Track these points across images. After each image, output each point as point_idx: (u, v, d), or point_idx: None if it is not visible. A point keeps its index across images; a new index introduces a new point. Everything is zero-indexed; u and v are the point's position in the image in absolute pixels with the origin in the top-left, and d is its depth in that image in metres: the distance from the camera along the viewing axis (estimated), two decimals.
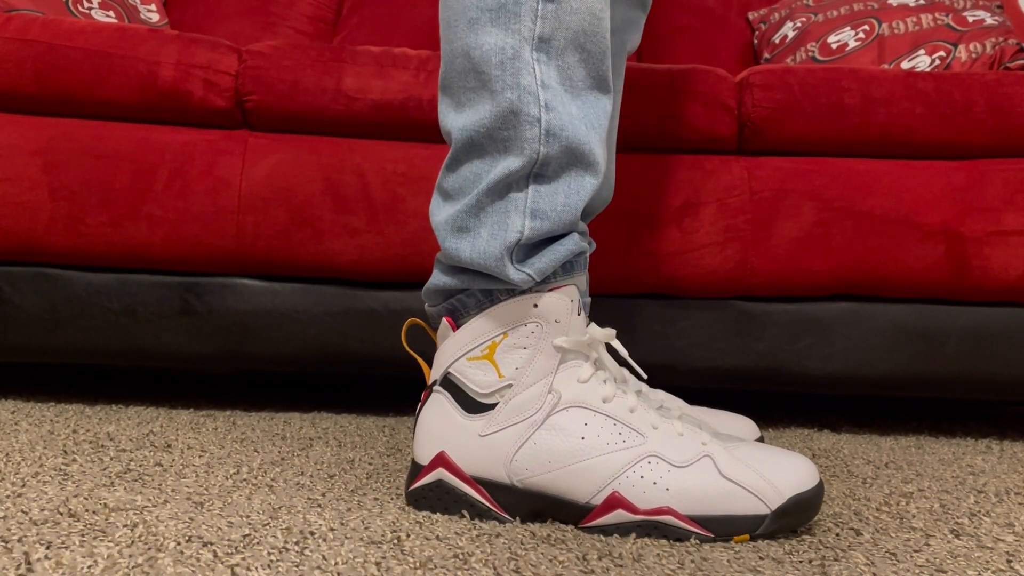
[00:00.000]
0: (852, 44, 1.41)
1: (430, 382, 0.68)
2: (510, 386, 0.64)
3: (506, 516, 0.64)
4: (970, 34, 1.33)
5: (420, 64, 1.02)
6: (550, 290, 0.65)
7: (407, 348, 0.71)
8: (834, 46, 1.42)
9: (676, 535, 0.60)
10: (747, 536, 0.60)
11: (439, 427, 0.65)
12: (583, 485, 0.62)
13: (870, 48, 1.39)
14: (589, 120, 0.64)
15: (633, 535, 0.60)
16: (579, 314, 0.66)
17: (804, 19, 1.50)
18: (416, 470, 0.65)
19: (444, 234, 0.66)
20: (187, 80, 1.00)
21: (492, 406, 0.65)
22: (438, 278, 0.67)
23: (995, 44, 1.30)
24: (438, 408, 0.66)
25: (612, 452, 0.62)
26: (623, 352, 0.68)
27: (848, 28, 1.43)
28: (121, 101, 1.00)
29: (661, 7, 1.65)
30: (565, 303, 0.65)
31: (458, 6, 0.63)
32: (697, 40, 1.63)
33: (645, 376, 0.71)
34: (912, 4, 1.42)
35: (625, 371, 0.76)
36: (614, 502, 0.61)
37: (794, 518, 0.61)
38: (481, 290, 0.66)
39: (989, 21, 1.36)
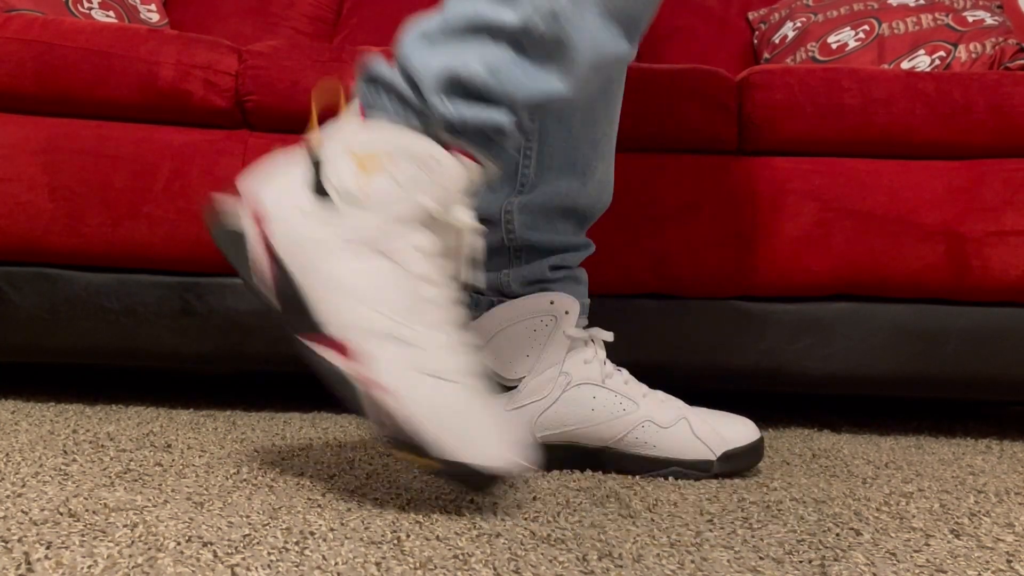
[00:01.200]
0: (852, 44, 1.41)
1: (306, 143, 0.68)
2: (360, 204, 0.63)
3: (273, 302, 0.65)
4: (970, 34, 1.33)
5: None
6: (460, 152, 0.63)
7: (312, 103, 0.67)
8: (834, 46, 1.42)
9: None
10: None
11: (278, 185, 0.66)
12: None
13: (870, 48, 1.39)
14: (598, 42, 0.64)
15: (633, 533, 0.60)
16: (468, 199, 0.65)
17: (804, 19, 1.50)
18: (233, 195, 0.67)
19: (409, 34, 0.65)
20: (187, 80, 1.00)
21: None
22: (379, 65, 0.65)
23: (995, 44, 1.30)
24: (291, 169, 0.66)
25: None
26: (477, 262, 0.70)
27: (848, 28, 1.44)
28: (121, 101, 1.00)
29: (661, 7, 1.65)
30: (462, 175, 0.63)
31: None
32: (697, 40, 1.63)
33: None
34: (912, 4, 1.42)
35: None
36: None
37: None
38: (401, 100, 0.63)
39: (989, 21, 1.36)
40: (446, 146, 0.63)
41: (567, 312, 0.79)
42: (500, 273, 0.81)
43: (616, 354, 0.98)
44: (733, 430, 0.80)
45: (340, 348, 0.61)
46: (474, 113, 0.63)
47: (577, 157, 0.81)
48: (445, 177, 0.63)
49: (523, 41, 0.63)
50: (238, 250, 0.65)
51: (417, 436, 0.60)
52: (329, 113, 0.68)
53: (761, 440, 0.81)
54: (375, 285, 0.62)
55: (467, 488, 0.64)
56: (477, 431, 0.61)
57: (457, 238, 0.65)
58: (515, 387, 0.79)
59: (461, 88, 0.63)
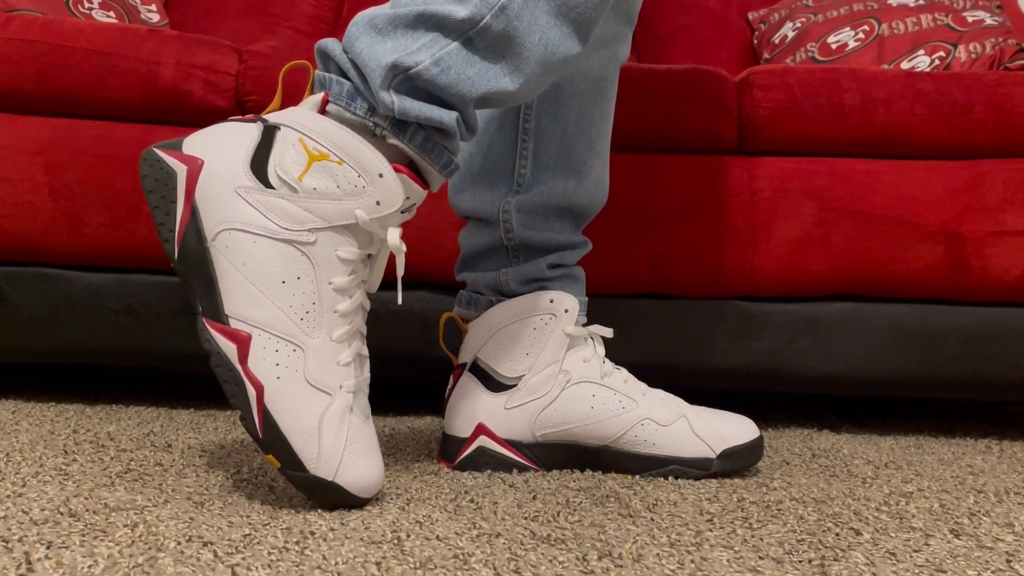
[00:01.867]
0: (852, 44, 1.41)
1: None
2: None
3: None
4: (970, 34, 1.33)
5: None
6: (406, 172, 0.63)
7: (279, 80, 0.69)
8: (834, 46, 1.42)
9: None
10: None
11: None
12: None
13: (870, 48, 1.39)
14: (547, 40, 0.65)
15: (633, 533, 0.60)
16: (404, 217, 0.66)
17: (804, 19, 1.50)
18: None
19: (359, 22, 0.64)
20: (187, 80, 1.00)
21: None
22: (333, 45, 0.65)
23: (995, 44, 1.30)
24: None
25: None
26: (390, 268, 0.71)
27: (848, 28, 1.44)
28: (121, 101, 1.00)
29: (661, 7, 1.65)
30: (400, 195, 0.63)
31: None
32: (697, 40, 1.63)
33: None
34: (912, 4, 1.42)
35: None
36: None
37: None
38: (350, 85, 0.64)
39: (989, 21, 1.36)
40: (395, 166, 0.63)
41: (566, 310, 0.79)
42: (499, 272, 0.81)
43: (616, 354, 0.98)
44: (732, 428, 0.80)
45: (233, 336, 0.61)
46: (419, 109, 0.63)
47: (572, 156, 0.81)
48: (386, 193, 0.63)
49: (472, 36, 0.63)
50: (165, 189, 0.64)
51: (266, 434, 0.61)
52: (295, 93, 0.68)
53: (760, 439, 0.81)
54: (287, 281, 0.62)
55: (309, 497, 0.63)
56: (331, 446, 0.61)
57: (378, 253, 0.66)
58: (515, 385, 0.79)
59: (408, 81, 0.62)
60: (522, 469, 0.79)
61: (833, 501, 0.72)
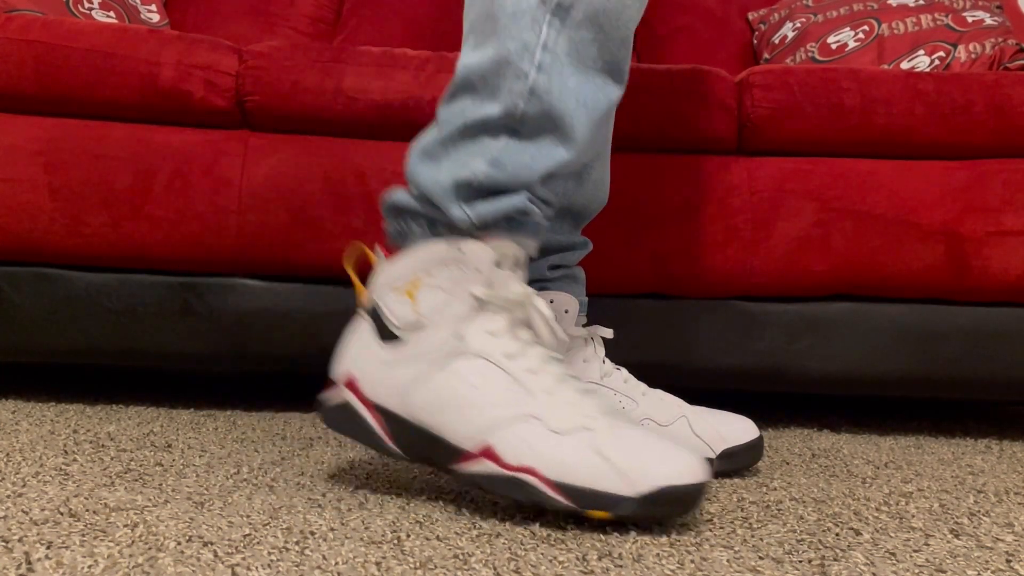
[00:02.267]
0: (852, 44, 1.41)
1: (359, 305, 0.70)
2: (423, 325, 0.65)
3: (394, 448, 0.66)
4: (970, 34, 1.33)
5: (420, 64, 1.02)
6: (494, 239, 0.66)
7: (348, 270, 0.71)
8: (834, 46, 1.42)
9: (536, 497, 0.60)
10: (607, 514, 0.58)
11: (356, 350, 0.68)
12: (461, 429, 0.62)
13: (870, 48, 1.39)
14: (585, 99, 0.66)
15: (633, 532, 0.60)
16: (515, 271, 0.66)
17: (804, 19, 1.50)
18: (330, 386, 0.69)
19: (413, 155, 0.69)
20: (187, 80, 1.00)
21: (403, 339, 0.66)
22: (397, 193, 0.69)
23: (995, 44, 1.30)
24: (360, 331, 0.69)
25: (497, 406, 0.62)
26: (551, 325, 0.66)
27: (848, 28, 1.44)
28: (121, 101, 1.00)
29: (661, 7, 1.65)
30: (488, 253, 0.65)
31: None
32: (697, 40, 1.63)
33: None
34: (912, 4, 1.42)
35: (610, 367, 0.82)
36: (485, 452, 0.62)
37: (662, 508, 0.59)
38: (427, 220, 0.68)
39: (989, 21, 1.36)
40: (470, 234, 0.66)
41: (566, 311, 0.79)
42: None
43: (616, 354, 0.98)
44: (732, 428, 0.79)
45: (486, 454, 0.62)
46: (492, 208, 0.66)
47: None
48: (477, 261, 0.65)
49: (514, 127, 0.66)
50: (352, 420, 0.67)
51: (574, 496, 0.59)
52: (365, 270, 0.71)
53: (760, 438, 0.80)
54: (472, 386, 0.63)
55: (665, 515, 0.60)
56: (623, 462, 0.59)
57: (522, 306, 0.65)
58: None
59: (473, 191, 0.66)
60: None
61: (833, 501, 0.72)
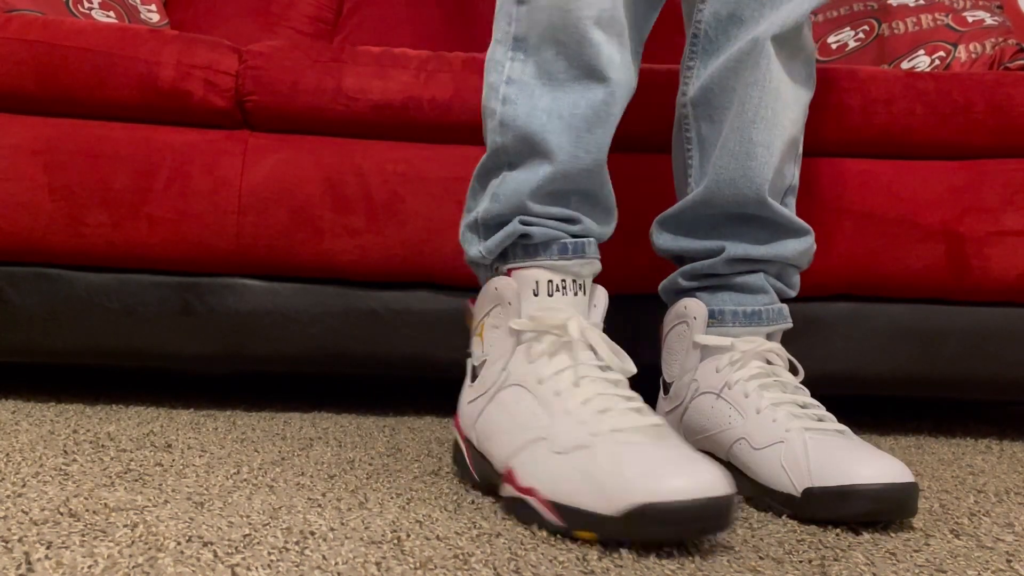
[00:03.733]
0: (852, 44, 1.41)
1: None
2: (485, 361, 0.70)
3: (474, 476, 0.70)
4: (970, 34, 1.33)
5: (420, 64, 1.02)
6: (508, 272, 0.71)
7: (468, 324, 0.76)
8: (834, 46, 1.42)
9: (535, 519, 0.59)
10: (593, 535, 0.56)
11: (462, 390, 0.75)
12: (497, 453, 0.66)
13: (870, 48, 1.39)
14: (560, 110, 0.69)
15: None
16: (561, 294, 0.69)
17: None
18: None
19: (461, 227, 0.78)
20: (187, 80, 1.00)
21: (479, 377, 0.72)
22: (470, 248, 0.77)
23: (995, 44, 1.30)
24: (467, 374, 0.75)
25: (521, 430, 0.64)
26: (594, 346, 0.67)
27: (848, 28, 1.44)
28: (121, 101, 1.00)
29: (661, 8, 1.65)
30: (511, 285, 0.69)
31: None
32: None
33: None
34: (912, 4, 1.42)
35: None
36: (507, 476, 0.64)
37: (651, 529, 0.54)
38: (481, 268, 0.75)
39: (989, 21, 1.36)
40: (497, 275, 0.72)
41: (695, 318, 0.78)
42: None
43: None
44: (837, 466, 0.64)
45: (508, 477, 0.64)
46: (495, 240, 0.71)
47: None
48: (507, 295, 0.69)
49: (506, 160, 0.72)
50: (455, 450, 0.75)
51: (565, 515, 0.58)
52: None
53: (884, 489, 0.62)
54: (509, 413, 0.67)
55: (660, 536, 0.55)
56: (606, 479, 0.56)
57: (563, 328, 0.66)
58: (668, 390, 0.82)
59: (482, 229, 0.73)
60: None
61: None
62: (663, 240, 0.86)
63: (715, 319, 0.79)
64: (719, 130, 0.80)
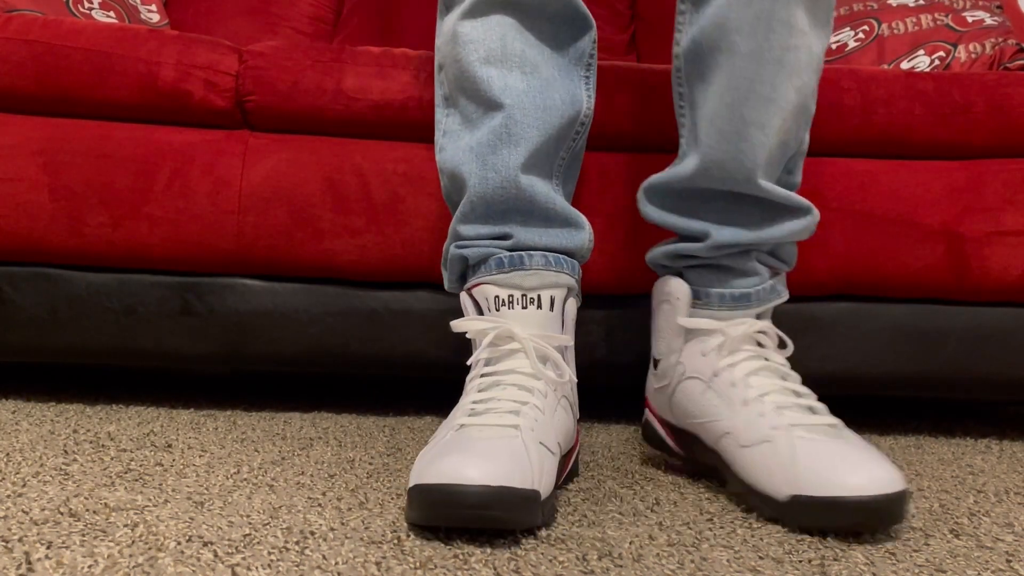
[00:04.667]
0: (852, 44, 1.41)
1: None
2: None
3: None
4: (970, 34, 1.33)
5: (420, 64, 1.02)
6: (469, 290, 0.76)
7: None
8: (834, 46, 1.42)
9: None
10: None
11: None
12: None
13: (870, 48, 1.39)
14: (472, 144, 0.76)
15: (633, 532, 0.60)
16: (498, 309, 0.74)
17: None
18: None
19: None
20: (187, 80, 1.00)
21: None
22: None
23: (995, 44, 1.30)
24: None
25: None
26: (530, 356, 0.71)
27: (848, 28, 1.44)
28: (121, 101, 1.00)
29: (661, 6, 1.65)
30: (467, 302, 0.76)
31: None
32: None
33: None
34: (912, 4, 1.42)
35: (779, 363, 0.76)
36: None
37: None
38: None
39: (989, 21, 1.36)
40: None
41: (678, 298, 0.77)
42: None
43: (614, 356, 0.98)
44: (829, 471, 0.61)
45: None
46: (446, 269, 0.82)
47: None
48: (469, 312, 0.76)
49: (451, 199, 0.82)
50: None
51: None
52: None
53: (865, 502, 0.60)
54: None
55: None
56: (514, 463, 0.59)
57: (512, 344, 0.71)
58: (657, 365, 0.81)
59: (444, 264, 0.83)
60: (668, 450, 0.81)
61: None
62: (650, 211, 0.82)
63: (700, 300, 0.77)
64: (711, 94, 0.73)
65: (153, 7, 1.49)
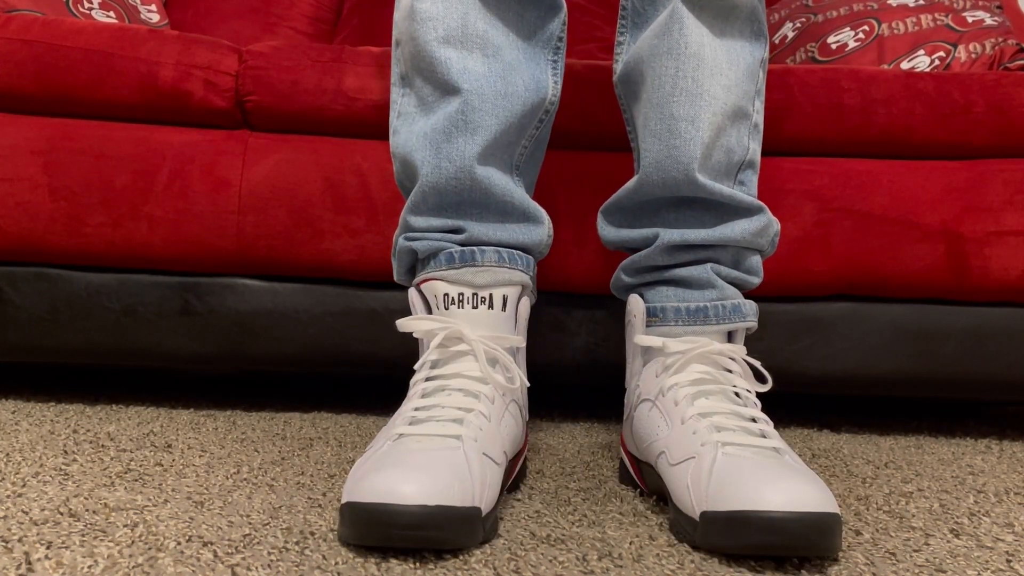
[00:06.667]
0: (852, 44, 1.41)
1: None
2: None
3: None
4: (970, 34, 1.33)
5: None
6: (418, 285, 0.73)
7: None
8: (834, 46, 1.42)
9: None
10: None
11: None
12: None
13: (870, 48, 1.39)
14: (425, 130, 0.72)
15: (633, 532, 0.60)
16: (447, 308, 0.70)
17: (804, 19, 1.50)
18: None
19: None
20: (187, 80, 1.00)
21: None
22: None
23: (995, 44, 1.30)
24: None
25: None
26: (480, 360, 0.68)
27: (848, 28, 1.44)
28: (121, 101, 1.00)
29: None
30: (415, 297, 0.73)
31: None
32: None
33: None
34: (912, 4, 1.42)
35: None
36: None
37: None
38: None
39: (989, 21, 1.36)
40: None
41: (635, 316, 0.74)
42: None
43: (616, 355, 0.98)
44: (739, 487, 0.54)
45: None
46: (396, 261, 0.78)
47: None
48: (418, 310, 0.73)
49: (402, 186, 0.78)
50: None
51: None
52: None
53: (771, 518, 0.52)
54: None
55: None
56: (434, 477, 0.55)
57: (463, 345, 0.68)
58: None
59: (393, 255, 0.78)
60: (634, 485, 0.73)
61: None
62: (608, 233, 0.80)
63: (655, 317, 0.72)
64: (642, 103, 0.75)
65: (153, 7, 1.49)
